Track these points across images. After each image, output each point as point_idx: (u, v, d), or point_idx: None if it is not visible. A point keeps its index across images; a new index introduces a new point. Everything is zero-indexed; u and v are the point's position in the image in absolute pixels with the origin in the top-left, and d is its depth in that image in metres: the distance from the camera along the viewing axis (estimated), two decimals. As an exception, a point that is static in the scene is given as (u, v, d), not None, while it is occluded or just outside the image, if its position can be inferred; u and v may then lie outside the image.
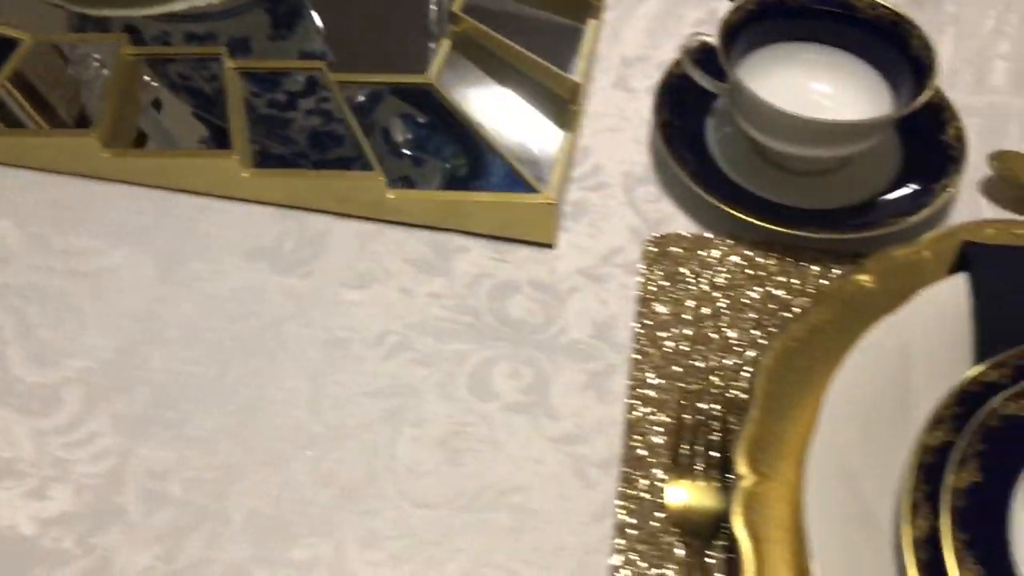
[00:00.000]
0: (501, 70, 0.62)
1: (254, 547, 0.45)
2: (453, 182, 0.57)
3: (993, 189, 0.58)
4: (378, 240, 0.56)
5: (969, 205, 0.58)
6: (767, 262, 0.55)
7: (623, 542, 0.45)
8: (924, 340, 0.47)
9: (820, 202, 0.57)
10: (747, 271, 0.54)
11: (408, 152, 0.63)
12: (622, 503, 0.46)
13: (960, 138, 0.57)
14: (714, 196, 0.55)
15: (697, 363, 0.51)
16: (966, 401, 0.44)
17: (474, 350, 0.51)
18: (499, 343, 0.52)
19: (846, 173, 0.58)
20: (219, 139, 0.61)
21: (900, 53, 0.56)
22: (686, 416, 0.48)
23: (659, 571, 0.44)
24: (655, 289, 0.54)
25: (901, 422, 0.45)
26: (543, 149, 0.58)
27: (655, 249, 0.55)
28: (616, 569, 0.44)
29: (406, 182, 0.57)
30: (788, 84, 0.58)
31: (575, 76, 0.59)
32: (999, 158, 0.57)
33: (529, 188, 0.54)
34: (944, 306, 0.48)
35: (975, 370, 0.45)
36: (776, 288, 0.54)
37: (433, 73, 0.59)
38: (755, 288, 0.54)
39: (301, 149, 0.62)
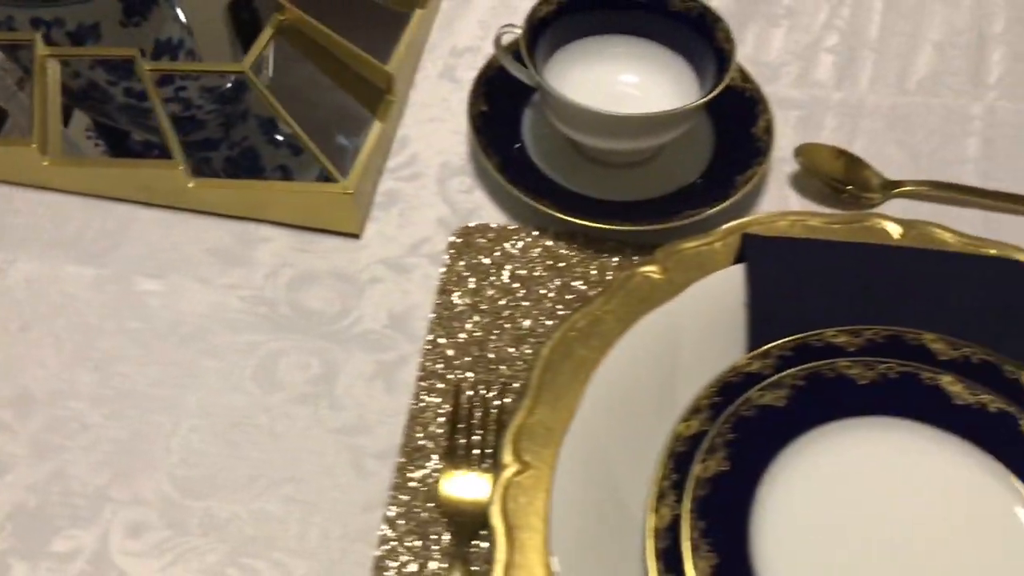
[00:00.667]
0: (325, 59, 0.61)
1: (15, 540, 0.44)
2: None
3: (802, 182, 0.59)
4: (181, 229, 0.56)
5: (778, 198, 0.59)
6: (569, 254, 0.55)
7: (391, 533, 0.45)
8: (695, 330, 0.48)
9: (633, 194, 0.57)
10: (548, 262, 0.55)
11: (284, 141, 0.63)
12: (394, 494, 0.46)
13: (768, 130, 0.58)
14: (517, 187, 0.55)
15: (488, 354, 0.51)
16: (726, 391, 0.45)
17: (265, 341, 0.51)
18: (292, 334, 0.52)
19: (659, 166, 0.59)
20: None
21: (707, 44, 0.56)
22: (470, 406, 0.48)
23: (422, 562, 0.44)
24: (456, 279, 0.54)
25: (664, 411, 0.46)
26: (357, 139, 0.58)
27: (460, 240, 0.55)
28: (380, 559, 0.44)
29: (284, 171, 0.57)
30: (597, 77, 0.58)
31: (390, 66, 0.59)
32: (802, 152, 0.58)
33: (329, 178, 0.54)
34: (720, 297, 0.49)
35: (739, 360, 0.46)
36: (575, 280, 0.54)
37: (248, 62, 0.58)
38: (555, 280, 0.54)
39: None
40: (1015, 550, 0.41)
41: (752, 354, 0.46)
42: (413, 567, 0.44)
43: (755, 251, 0.49)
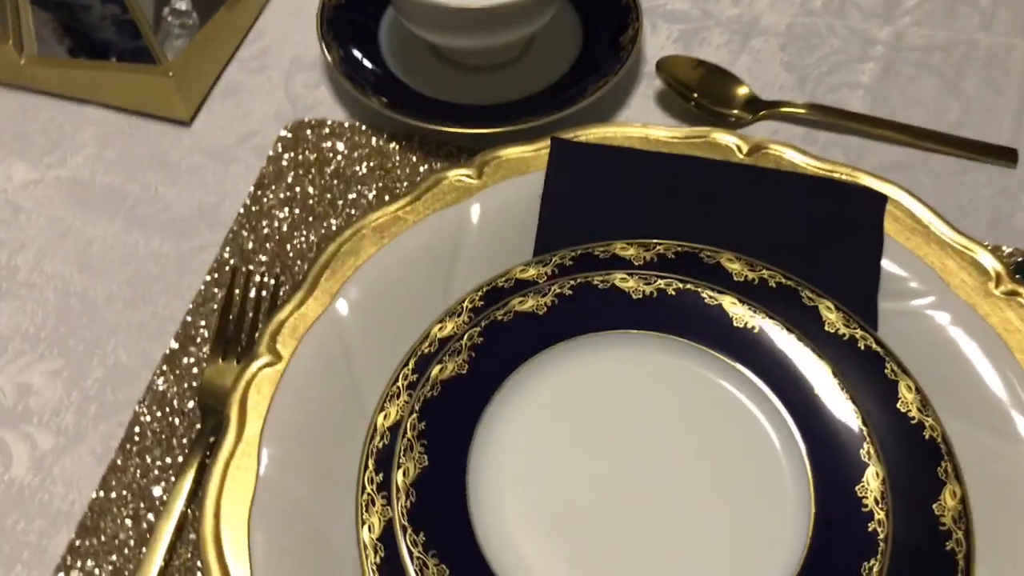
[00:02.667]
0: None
1: None
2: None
3: (668, 100, 0.55)
4: (15, 106, 0.55)
5: (642, 114, 0.55)
6: (399, 157, 0.52)
7: (145, 416, 0.44)
8: (486, 233, 0.45)
9: (486, 99, 0.54)
10: (374, 163, 0.52)
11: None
12: (156, 378, 0.45)
13: (633, 40, 0.54)
14: (350, 81, 0.52)
15: (289, 250, 0.49)
16: (493, 296, 0.42)
17: (70, 220, 0.50)
18: (98, 216, 0.51)
19: (518, 71, 0.56)
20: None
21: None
22: (243, 296, 0.47)
23: (166, 447, 0.43)
24: (275, 174, 0.52)
25: (432, 313, 0.43)
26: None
27: (290, 135, 0.53)
28: (125, 441, 0.43)
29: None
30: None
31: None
32: (662, 66, 0.54)
33: (153, 60, 0.52)
34: (518, 202, 0.46)
35: (515, 266, 0.43)
36: (396, 181, 0.52)
37: (109, -58, 0.57)
38: (379, 182, 0.52)
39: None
40: (762, 480, 0.38)
41: (530, 260, 0.43)
42: (157, 451, 0.43)
43: (559, 156, 0.46)
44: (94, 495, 0.42)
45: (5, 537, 0.41)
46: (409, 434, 0.38)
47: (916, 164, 0.52)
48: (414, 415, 0.38)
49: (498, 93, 0.55)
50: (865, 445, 0.37)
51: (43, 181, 0.52)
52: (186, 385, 0.45)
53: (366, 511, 0.37)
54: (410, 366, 0.40)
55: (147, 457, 0.43)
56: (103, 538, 0.41)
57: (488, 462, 0.38)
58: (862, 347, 0.40)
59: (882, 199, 0.44)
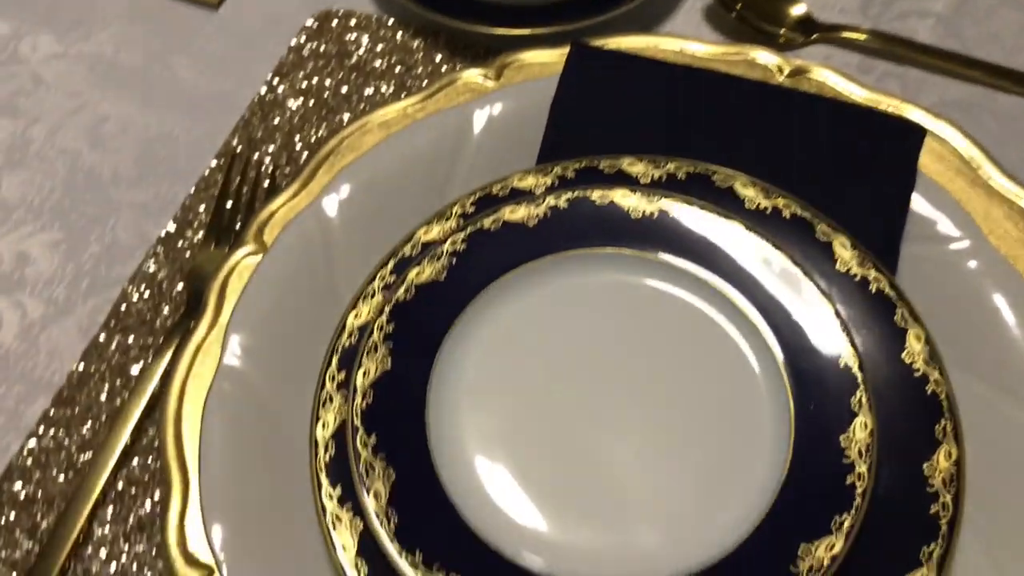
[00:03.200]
0: None
1: None
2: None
3: (718, 18, 0.51)
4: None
5: (686, 29, 0.51)
6: (423, 54, 0.50)
7: (134, 295, 0.44)
8: (491, 136, 0.43)
9: (524, 1, 0.52)
10: (395, 58, 0.50)
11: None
12: (146, 257, 0.45)
13: (682, -53, 0.50)
14: (379, -28, 0.50)
15: (296, 141, 0.48)
16: (486, 203, 0.40)
17: (88, 94, 0.50)
18: (117, 94, 0.50)
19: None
20: None
21: None
22: (241, 181, 0.46)
23: (151, 327, 0.43)
24: (294, 63, 0.50)
25: (421, 216, 0.41)
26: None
27: (315, 24, 0.52)
28: (111, 317, 0.43)
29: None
30: None
31: None
32: (711, -27, 0.50)
33: (183, -63, 0.51)
34: (530, 106, 0.43)
35: (513, 173, 0.41)
36: (416, 80, 0.49)
37: None
38: (398, 79, 0.50)
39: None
40: (739, 419, 0.35)
41: (530, 168, 0.41)
42: (141, 331, 0.43)
43: (577, 61, 0.43)
44: (74, 367, 0.42)
45: (-14, 400, 0.41)
46: (376, 335, 0.36)
47: (982, 103, 0.47)
48: (383, 316, 0.37)
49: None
50: (858, 393, 0.34)
51: (67, 55, 0.51)
52: (177, 268, 0.44)
53: (323, 408, 0.36)
54: (389, 267, 0.39)
55: (130, 336, 0.43)
56: (77, 410, 0.41)
57: (452, 372, 0.36)
58: (873, 290, 0.37)
59: (920, 132, 0.40)
